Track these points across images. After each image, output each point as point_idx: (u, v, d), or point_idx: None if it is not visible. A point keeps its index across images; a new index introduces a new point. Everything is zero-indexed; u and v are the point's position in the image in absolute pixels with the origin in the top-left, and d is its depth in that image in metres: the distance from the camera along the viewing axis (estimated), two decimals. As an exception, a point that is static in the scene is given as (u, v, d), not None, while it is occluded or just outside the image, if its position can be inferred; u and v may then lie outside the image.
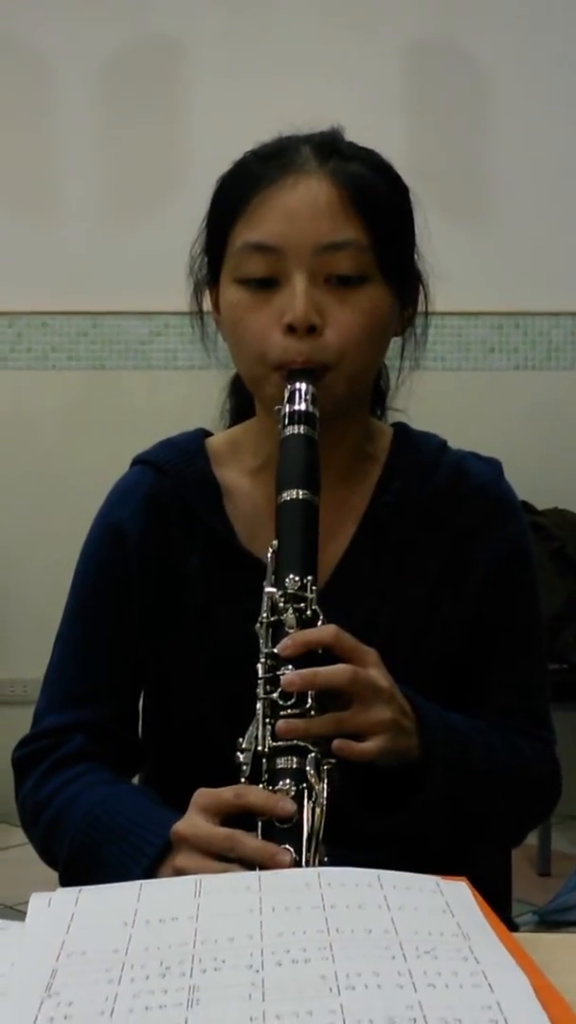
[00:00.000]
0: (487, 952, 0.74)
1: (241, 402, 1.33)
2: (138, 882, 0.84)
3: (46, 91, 3.66)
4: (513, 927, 1.21)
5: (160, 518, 1.24)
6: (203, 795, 0.99)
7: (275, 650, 1.02)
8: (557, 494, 3.54)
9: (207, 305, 1.26)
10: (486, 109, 3.66)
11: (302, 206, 1.14)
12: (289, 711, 0.99)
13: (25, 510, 3.67)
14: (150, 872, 1.00)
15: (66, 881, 1.10)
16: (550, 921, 2.65)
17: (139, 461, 1.29)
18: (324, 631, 1.03)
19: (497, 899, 0.85)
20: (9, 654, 3.66)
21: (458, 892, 0.82)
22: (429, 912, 0.78)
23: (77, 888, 0.84)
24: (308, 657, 1.01)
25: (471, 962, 0.72)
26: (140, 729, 1.30)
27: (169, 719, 1.27)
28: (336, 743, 1.00)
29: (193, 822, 0.98)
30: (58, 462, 3.66)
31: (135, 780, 1.28)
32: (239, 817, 0.97)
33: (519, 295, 3.67)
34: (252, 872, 0.86)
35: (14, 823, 1.23)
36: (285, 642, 1.01)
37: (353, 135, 1.23)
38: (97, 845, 1.08)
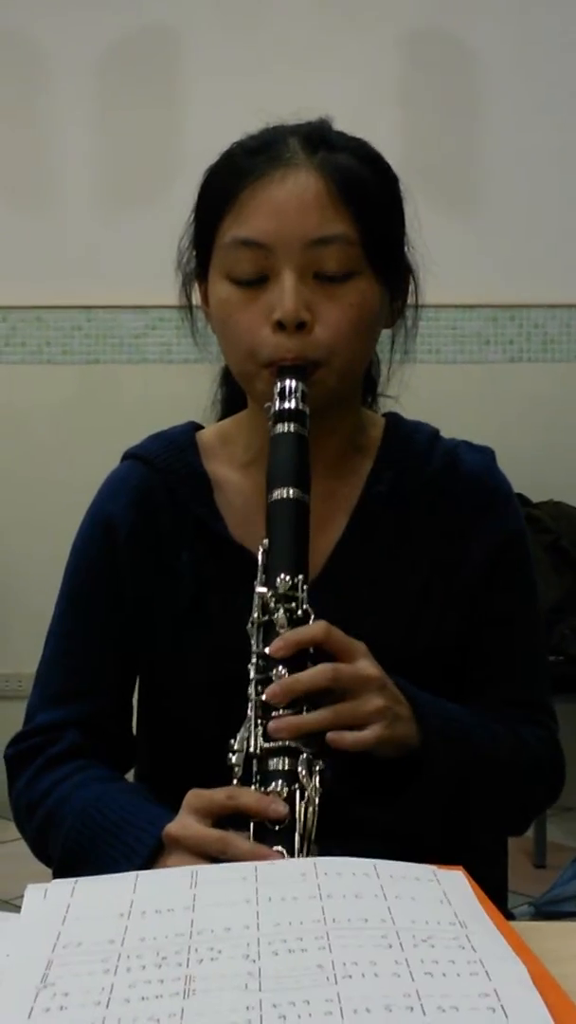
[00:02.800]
0: (484, 940, 0.74)
1: (232, 393, 1.33)
2: (134, 873, 0.84)
3: (40, 83, 3.65)
4: (509, 918, 1.21)
5: (150, 512, 1.24)
6: (195, 796, 0.99)
7: (266, 650, 1.01)
8: (553, 487, 3.54)
9: (196, 299, 1.26)
10: (481, 100, 3.65)
11: (290, 201, 1.13)
12: (281, 711, 0.99)
13: (20, 504, 3.67)
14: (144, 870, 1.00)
15: (60, 879, 1.10)
16: (546, 912, 2.66)
17: (129, 455, 1.29)
18: (314, 629, 1.02)
19: (493, 891, 0.85)
20: (5, 648, 3.65)
21: (455, 881, 0.82)
22: (426, 901, 0.78)
23: (73, 879, 0.84)
24: (300, 656, 1.01)
25: (468, 950, 0.72)
26: (134, 724, 1.29)
27: (162, 713, 1.26)
28: (330, 735, 0.99)
29: (185, 823, 0.98)
30: (53, 456, 3.65)
31: (129, 776, 1.27)
32: (231, 817, 0.97)
33: (514, 287, 3.66)
34: (248, 863, 0.86)
35: (9, 818, 1.22)
36: (277, 643, 1.01)
37: (347, 125, 1.22)
38: (90, 843, 1.08)
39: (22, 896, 0.82)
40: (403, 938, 0.72)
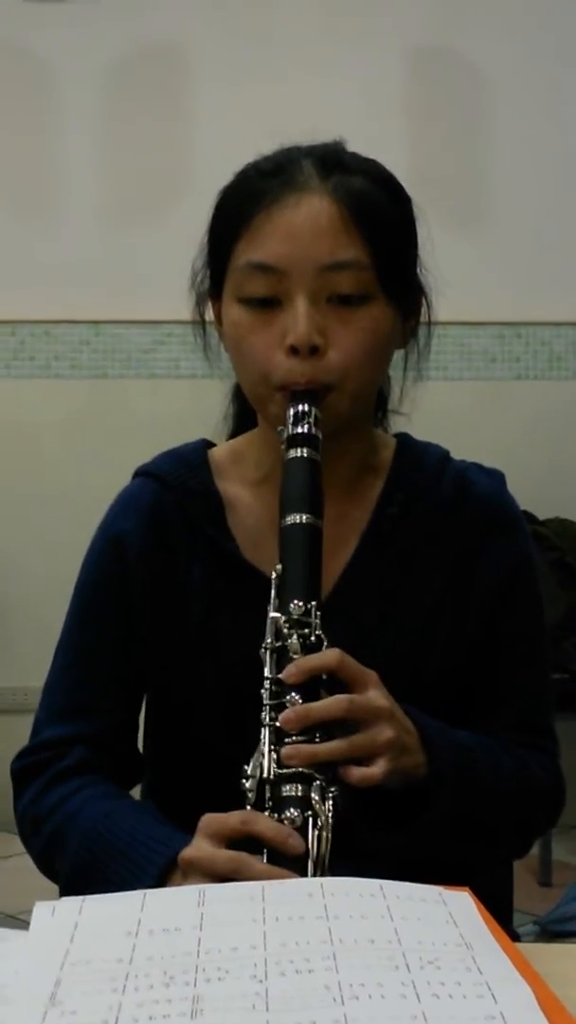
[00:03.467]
0: (490, 962, 0.74)
1: (244, 409, 1.33)
2: (142, 891, 0.84)
3: (49, 99, 3.66)
4: (515, 937, 1.21)
5: (162, 530, 1.24)
6: (209, 821, 0.99)
7: (280, 676, 1.02)
8: (558, 503, 3.54)
9: (209, 315, 1.27)
10: (487, 116, 3.67)
11: (304, 226, 1.13)
12: (294, 738, 0.99)
13: (28, 518, 3.67)
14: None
15: (67, 895, 1.10)
16: (551, 931, 2.65)
17: (141, 472, 1.29)
18: (327, 657, 1.02)
19: (499, 910, 0.85)
20: (11, 662, 3.65)
21: (461, 902, 0.83)
22: (432, 922, 0.78)
23: (81, 897, 0.84)
24: (313, 682, 1.01)
25: (474, 972, 0.72)
26: (141, 742, 1.29)
27: (170, 732, 1.26)
28: (342, 770, 0.99)
29: (199, 846, 0.98)
30: (61, 471, 3.66)
31: (134, 793, 1.27)
32: (244, 843, 0.96)
33: (521, 305, 3.67)
34: (256, 882, 0.86)
35: (14, 832, 1.22)
36: (290, 669, 1.01)
37: (353, 139, 1.23)
38: (99, 862, 1.07)
39: (27, 910, 0.82)
40: (410, 959, 0.72)
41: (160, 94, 3.67)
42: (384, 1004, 0.67)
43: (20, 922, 0.82)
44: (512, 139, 3.65)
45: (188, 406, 3.34)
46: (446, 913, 0.80)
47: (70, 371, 3.69)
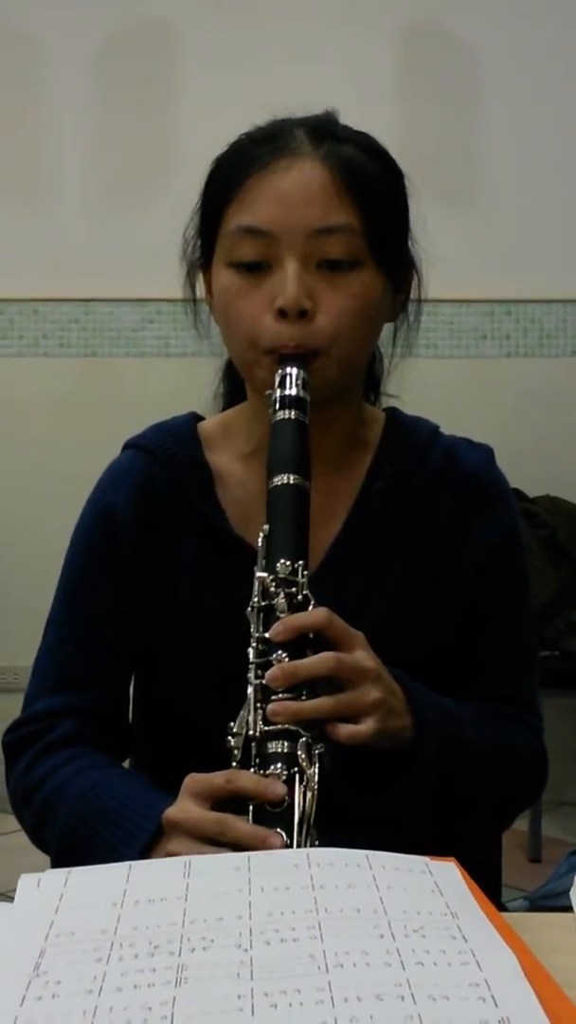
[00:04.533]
0: (475, 931, 0.74)
1: (234, 387, 1.33)
2: (127, 863, 0.84)
3: (38, 77, 3.65)
4: (503, 911, 1.21)
5: (152, 503, 1.24)
6: (194, 780, 0.99)
7: (266, 634, 1.02)
8: (549, 481, 3.54)
9: (200, 292, 1.26)
10: (478, 95, 3.65)
11: (295, 190, 1.13)
12: (281, 695, 0.99)
13: (17, 497, 3.67)
14: (143, 856, 1.00)
15: (58, 865, 1.10)
16: (540, 907, 2.66)
17: (131, 445, 1.29)
18: (316, 615, 1.03)
19: (488, 884, 0.85)
20: (2, 641, 3.65)
21: (447, 872, 0.83)
22: (418, 891, 0.78)
23: (67, 869, 0.84)
24: (299, 641, 1.02)
25: (459, 941, 0.72)
26: (131, 714, 1.30)
27: (160, 704, 1.27)
28: (328, 726, 1.00)
29: (184, 807, 0.98)
30: (50, 449, 3.65)
31: (125, 764, 1.28)
32: (231, 802, 0.97)
33: (511, 282, 3.66)
34: (242, 853, 0.86)
35: (6, 810, 1.23)
36: (277, 627, 1.01)
37: (345, 119, 1.22)
38: (89, 829, 1.08)
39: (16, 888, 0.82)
40: (395, 928, 0.73)
41: (149, 74, 3.66)
42: (368, 972, 0.67)
43: (9, 898, 0.82)
44: (503, 118, 3.64)
45: (178, 384, 3.33)
46: (432, 883, 0.80)
47: (59, 349, 3.68)
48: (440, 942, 0.72)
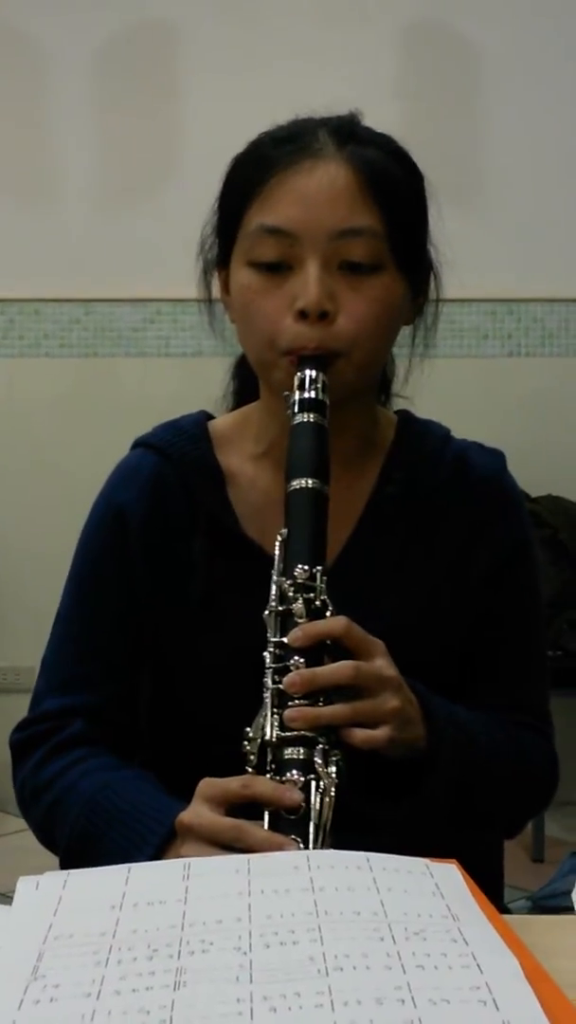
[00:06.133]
0: (476, 934, 0.73)
1: (244, 386, 1.32)
2: (126, 865, 0.83)
3: (40, 77, 3.64)
4: (505, 912, 1.20)
5: (163, 502, 1.23)
6: (209, 785, 0.98)
7: (285, 639, 1.01)
8: (551, 481, 3.54)
9: (215, 290, 1.25)
10: (480, 94, 3.65)
11: (318, 191, 1.12)
12: (297, 701, 0.98)
13: (19, 498, 3.67)
14: (154, 860, 0.99)
15: (66, 866, 1.09)
16: (543, 907, 2.66)
17: (140, 444, 1.28)
18: (335, 623, 1.02)
19: (490, 885, 0.85)
20: (5, 642, 3.65)
21: (448, 874, 0.82)
22: (419, 894, 0.78)
23: (66, 872, 0.83)
24: (317, 647, 1.01)
25: (460, 944, 0.72)
26: (140, 714, 1.29)
27: (169, 704, 1.26)
28: (344, 732, 0.99)
29: (198, 812, 0.97)
30: (51, 450, 3.65)
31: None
32: (244, 807, 0.96)
33: (513, 281, 3.66)
34: (242, 855, 0.85)
35: (11, 811, 1.22)
36: (296, 632, 1.01)
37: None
38: (100, 831, 1.07)
39: (19, 889, 0.82)
40: (395, 931, 0.72)
41: (151, 75, 3.65)
42: (369, 975, 0.67)
43: (11, 900, 0.82)
44: (506, 117, 3.64)
45: (178, 384, 3.34)
46: (432, 885, 0.80)
47: (60, 350, 3.68)
48: (441, 945, 0.71)
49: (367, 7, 3.62)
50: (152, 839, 1.01)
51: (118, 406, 3.52)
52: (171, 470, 1.24)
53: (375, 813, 1.04)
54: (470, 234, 3.53)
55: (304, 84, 3.08)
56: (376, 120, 1.26)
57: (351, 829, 0.94)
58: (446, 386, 3.48)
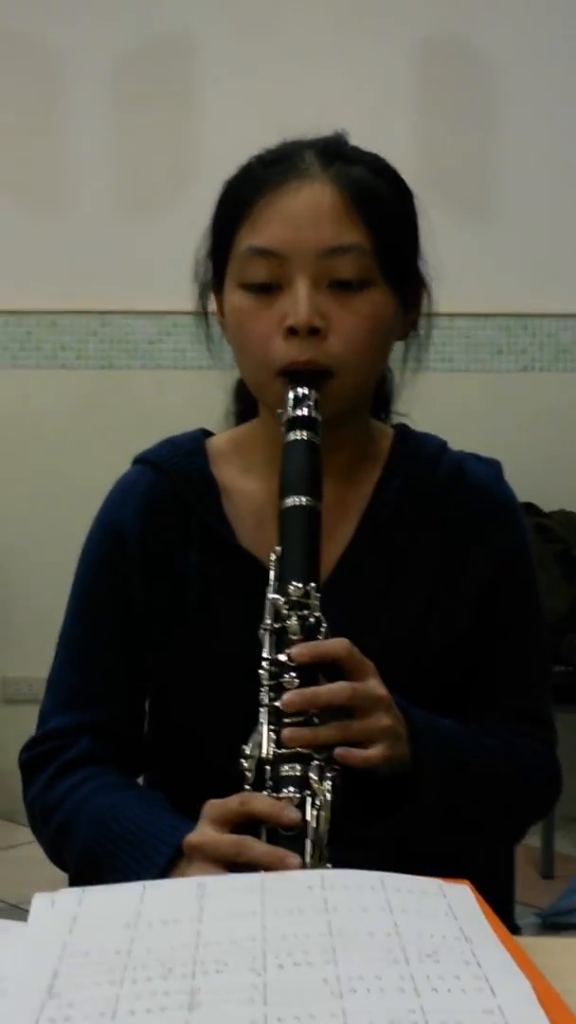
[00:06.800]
0: (489, 956, 0.74)
1: (245, 408, 1.33)
2: (141, 883, 0.84)
3: (57, 90, 3.66)
4: (515, 929, 1.21)
5: (158, 517, 1.24)
6: (212, 806, 1.00)
7: (286, 656, 1.02)
8: (564, 496, 3.54)
9: (212, 309, 1.26)
10: (495, 107, 3.66)
11: (305, 211, 1.14)
12: (293, 719, 1.00)
13: (33, 509, 3.67)
14: (161, 879, 1.00)
15: (77, 884, 1.10)
16: (553, 924, 2.65)
17: (139, 460, 1.30)
18: (337, 645, 1.03)
19: (500, 901, 0.85)
20: (17, 652, 3.66)
21: (461, 895, 0.82)
22: (432, 915, 0.78)
23: (81, 888, 0.84)
24: (312, 665, 1.02)
25: (473, 966, 0.72)
26: (145, 730, 1.30)
27: (171, 719, 1.27)
28: (339, 750, 1.00)
29: (204, 832, 0.99)
30: (66, 461, 3.66)
31: (139, 781, 1.28)
32: (246, 825, 0.97)
33: (527, 296, 3.66)
34: (255, 874, 0.86)
35: (20, 822, 1.23)
36: (300, 649, 1.02)
37: (362, 132, 1.23)
38: (108, 851, 1.08)
39: (30, 900, 0.82)
40: (409, 953, 0.72)
41: (168, 86, 3.67)
42: (382, 997, 0.67)
43: (24, 912, 0.82)
44: (520, 130, 3.64)
45: (193, 397, 3.32)
46: (446, 906, 0.80)
47: (76, 361, 3.69)
48: (454, 967, 0.71)
49: (383, 20, 3.63)
50: (158, 859, 1.02)
51: (134, 418, 3.52)
52: (166, 484, 1.25)
53: (364, 828, 1.05)
54: (485, 249, 3.55)
55: (319, 98, 3.10)
56: (391, 133, 1.27)
57: (346, 844, 0.95)
58: (460, 400, 3.51)
